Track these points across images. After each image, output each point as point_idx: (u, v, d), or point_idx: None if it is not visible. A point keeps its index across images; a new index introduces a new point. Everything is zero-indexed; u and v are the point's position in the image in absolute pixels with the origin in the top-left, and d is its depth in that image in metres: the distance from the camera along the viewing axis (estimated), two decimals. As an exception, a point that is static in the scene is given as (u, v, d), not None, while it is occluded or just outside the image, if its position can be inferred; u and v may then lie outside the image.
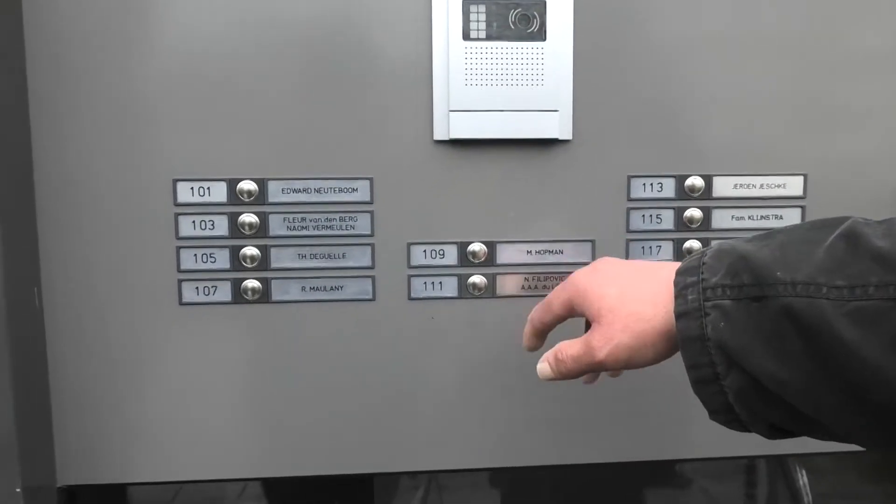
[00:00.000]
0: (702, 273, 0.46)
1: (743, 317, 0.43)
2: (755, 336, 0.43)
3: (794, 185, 0.75)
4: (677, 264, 0.49)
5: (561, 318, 0.57)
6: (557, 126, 0.70)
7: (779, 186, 0.74)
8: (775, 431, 0.46)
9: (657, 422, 0.76)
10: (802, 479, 1.16)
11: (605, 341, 0.50)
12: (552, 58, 0.69)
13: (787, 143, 0.74)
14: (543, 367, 0.55)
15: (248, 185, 0.70)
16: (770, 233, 0.47)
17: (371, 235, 0.72)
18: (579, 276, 0.55)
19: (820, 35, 0.73)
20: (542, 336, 0.60)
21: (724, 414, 0.46)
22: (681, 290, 0.46)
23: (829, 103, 0.74)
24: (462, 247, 0.72)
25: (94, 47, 0.67)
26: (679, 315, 0.46)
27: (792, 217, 0.75)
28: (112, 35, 0.67)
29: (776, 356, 0.42)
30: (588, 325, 0.54)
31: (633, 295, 0.50)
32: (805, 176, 0.75)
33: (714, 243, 0.48)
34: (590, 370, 0.53)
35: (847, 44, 0.73)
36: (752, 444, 0.57)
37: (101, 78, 0.67)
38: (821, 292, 0.40)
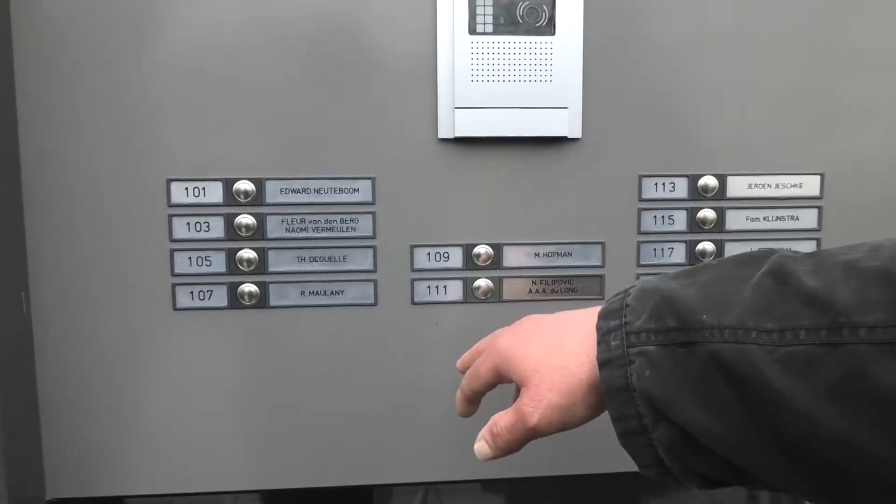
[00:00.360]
0: (625, 316, 0.43)
1: (669, 364, 0.40)
2: (683, 385, 0.40)
3: (810, 185, 0.72)
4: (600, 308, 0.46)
5: (490, 385, 0.53)
6: (566, 124, 0.68)
7: (795, 186, 0.72)
8: (710, 483, 0.43)
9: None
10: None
11: (534, 405, 0.46)
12: (561, 53, 0.67)
13: (804, 141, 0.72)
14: (481, 445, 0.50)
15: (244, 186, 0.67)
16: (695, 269, 0.44)
17: (373, 237, 0.69)
18: (502, 340, 0.51)
19: (837, 32, 0.70)
20: (475, 403, 0.55)
21: (655, 468, 0.43)
22: (603, 335, 0.43)
23: (846, 101, 0.71)
24: (467, 249, 0.70)
25: (84, 43, 0.64)
26: (602, 363, 0.43)
27: (808, 218, 0.73)
28: (103, 29, 0.64)
29: (705, 406, 0.39)
30: (518, 392, 0.50)
31: (557, 349, 0.47)
32: (822, 175, 0.72)
33: (639, 281, 0.45)
34: (527, 438, 0.48)
35: (865, 41, 0.71)
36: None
37: (91, 74, 0.64)
38: (750, 337, 0.37)
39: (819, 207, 0.73)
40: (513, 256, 0.70)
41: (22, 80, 0.64)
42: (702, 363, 0.39)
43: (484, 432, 0.51)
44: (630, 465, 0.72)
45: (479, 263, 0.70)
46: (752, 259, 0.42)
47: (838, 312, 0.35)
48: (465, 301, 0.70)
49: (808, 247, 0.73)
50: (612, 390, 0.42)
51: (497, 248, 0.70)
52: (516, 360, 0.48)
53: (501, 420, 0.49)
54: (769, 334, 0.37)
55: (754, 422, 0.38)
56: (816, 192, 0.72)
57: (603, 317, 0.44)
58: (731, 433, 0.39)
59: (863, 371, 0.34)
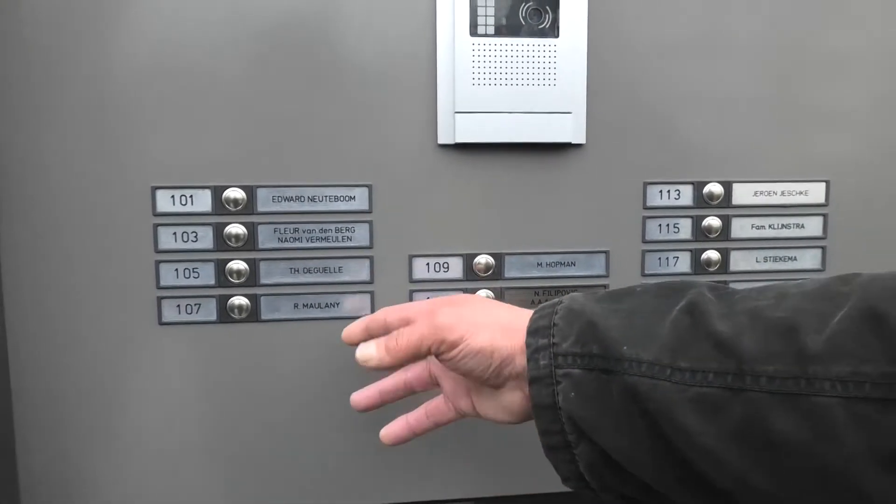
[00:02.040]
0: (553, 336, 0.45)
1: (592, 389, 0.43)
2: (604, 411, 0.42)
3: (816, 192, 0.71)
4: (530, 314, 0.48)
5: (405, 322, 0.53)
6: (570, 129, 0.65)
7: (801, 193, 0.71)
8: (627, 500, 0.46)
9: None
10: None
11: (451, 310, 0.49)
12: (565, 56, 0.64)
13: (809, 148, 0.70)
14: (367, 345, 0.52)
15: (234, 193, 0.64)
16: (620, 294, 0.46)
17: (370, 247, 0.66)
18: (444, 309, 0.52)
19: (843, 40, 0.69)
20: (370, 334, 0.55)
21: (576, 482, 0.46)
22: (532, 352, 0.45)
23: (852, 108, 0.70)
24: (468, 259, 0.67)
25: (62, 38, 0.60)
26: (532, 380, 0.45)
27: (814, 226, 0.71)
28: (82, 26, 0.60)
29: (623, 432, 0.42)
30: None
31: (494, 305, 0.52)
32: (827, 182, 0.71)
33: (567, 298, 0.48)
34: (423, 339, 0.49)
35: (870, 47, 0.70)
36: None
37: (70, 73, 0.61)
38: (665, 374, 0.40)
39: (824, 215, 0.71)
40: (515, 267, 0.68)
41: (-4, 82, 0.60)
42: (620, 392, 0.42)
43: (377, 339, 0.53)
44: None
45: (480, 274, 0.67)
46: (672, 290, 0.44)
47: (743, 360, 0.37)
48: (465, 313, 0.68)
49: (813, 254, 0.72)
50: (539, 406, 0.45)
51: (498, 257, 0.68)
52: (455, 302, 0.52)
53: (407, 328, 0.51)
54: (682, 373, 0.39)
55: (666, 451, 0.40)
56: (822, 200, 0.71)
57: (532, 333, 0.46)
58: (645, 459, 0.41)
59: (761, 417, 0.36)
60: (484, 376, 0.49)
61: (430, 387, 0.59)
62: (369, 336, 0.55)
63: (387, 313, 0.55)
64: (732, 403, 0.37)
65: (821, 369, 0.35)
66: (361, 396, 0.59)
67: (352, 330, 0.56)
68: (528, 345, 0.46)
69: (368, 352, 0.52)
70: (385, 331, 0.54)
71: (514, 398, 0.50)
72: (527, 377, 0.45)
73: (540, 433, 0.46)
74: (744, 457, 0.37)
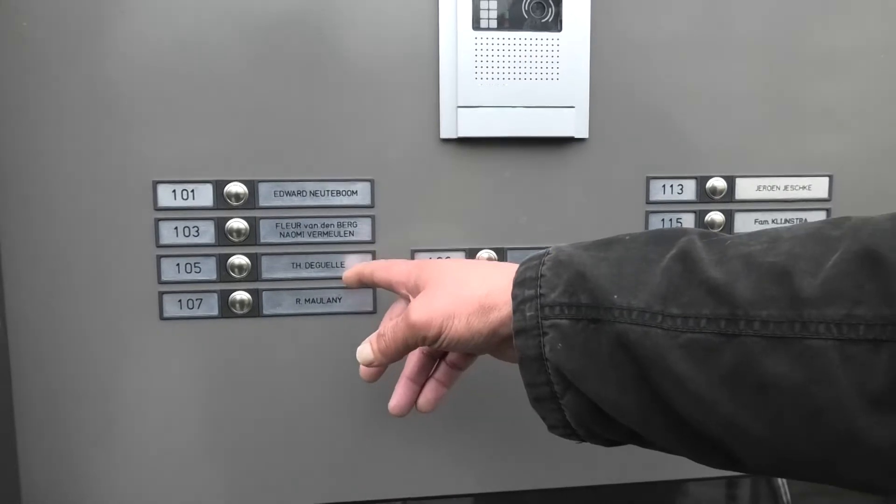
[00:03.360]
0: (540, 287, 0.45)
1: (580, 340, 0.43)
2: (592, 360, 0.42)
3: (819, 187, 0.71)
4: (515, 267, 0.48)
5: (388, 285, 0.58)
6: (573, 124, 0.65)
7: (804, 188, 0.70)
8: (612, 443, 0.47)
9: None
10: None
11: (423, 303, 0.49)
12: (568, 50, 0.64)
13: (812, 143, 0.70)
14: (364, 347, 0.54)
15: (236, 188, 0.63)
16: (609, 242, 0.46)
17: (372, 242, 0.66)
18: (432, 261, 0.56)
19: (850, 35, 0.69)
20: (360, 284, 0.62)
21: (562, 429, 0.47)
22: (519, 303, 0.45)
23: (855, 103, 0.70)
24: (471, 254, 0.67)
25: (61, 32, 0.60)
26: (518, 332, 0.45)
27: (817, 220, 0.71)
28: (82, 19, 0.60)
29: (611, 381, 0.42)
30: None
31: (471, 268, 0.52)
32: (830, 177, 0.71)
33: (553, 248, 0.47)
34: (407, 341, 0.50)
35: (874, 42, 0.69)
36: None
37: (71, 68, 0.60)
38: (656, 321, 0.40)
39: (828, 209, 0.71)
40: (517, 261, 0.67)
41: (-4, 75, 0.60)
42: (610, 341, 0.41)
43: (371, 336, 0.54)
44: (646, 476, 0.72)
45: (483, 269, 0.67)
46: (663, 238, 0.44)
47: (737, 305, 0.37)
48: (467, 308, 0.67)
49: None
50: (525, 358, 0.45)
51: (501, 252, 0.67)
52: (432, 267, 0.52)
53: (390, 322, 0.52)
54: (673, 319, 0.39)
55: (654, 399, 0.40)
56: (825, 195, 0.71)
57: (518, 284, 0.46)
58: (632, 407, 0.41)
59: (754, 361, 0.36)
60: (476, 352, 0.51)
61: (436, 357, 0.59)
62: (360, 284, 0.62)
63: (375, 269, 0.60)
64: (725, 348, 0.37)
65: (815, 313, 0.35)
66: (400, 400, 0.58)
67: (348, 275, 0.63)
68: (514, 296, 0.45)
69: (365, 354, 0.54)
70: (372, 283, 0.61)
71: (513, 354, 0.49)
72: (512, 328, 0.45)
73: (526, 385, 0.46)
74: (735, 401, 0.37)
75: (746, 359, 0.37)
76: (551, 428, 0.47)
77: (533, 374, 0.45)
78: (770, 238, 0.40)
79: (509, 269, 0.49)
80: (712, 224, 0.69)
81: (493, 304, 0.47)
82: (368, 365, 0.54)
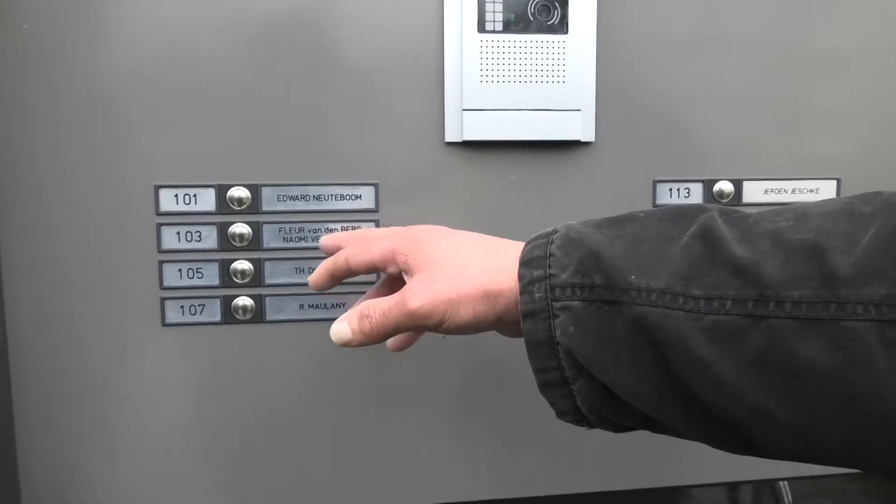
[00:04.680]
0: (549, 266, 0.41)
1: (594, 323, 0.40)
2: (606, 344, 0.40)
3: (826, 190, 0.70)
4: (521, 245, 0.44)
5: (372, 268, 0.51)
6: (579, 127, 0.65)
7: (811, 192, 0.70)
8: (624, 429, 0.44)
9: (653, 449, 0.71)
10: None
11: (423, 289, 0.45)
12: (574, 53, 0.63)
13: (820, 146, 0.69)
14: (341, 326, 0.49)
15: (239, 192, 0.63)
16: (621, 219, 0.43)
17: (376, 247, 0.65)
18: (414, 228, 0.52)
19: (857, 37, 0.68)
20: (336, 280, 0.54)
21: (572, 416, 0.44)
22: (526, 284, 0.42)
23: (863, 106, 0.69)
24: (476, 259, 0.66)
25: (63, 36, 0.59)
26: (525, 314, 0.42)
27: (824, 224, 0.70)
28: (82, 20, 0.59)
29: (627, 366, 0.39)
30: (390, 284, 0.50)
31: (469, 250, 0.47)
32: (838, 180, 0.70)
33: (562, 226, 0.44)
34: (400, 325, 0.46)
35: (882, 46, 0.69)
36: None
37: (73, 71, 0.59)
38: (677, 303, 0.37)
39: (835, 213, 0.70)
40: (523, 266, 0.67)
41: (-4, 79, 0.59)
42: (627, 324, 0.39)
43: (349, 314, 0.49)
44: (650, 482, 0.71)
45: (488, 273, 0.66)
46: (681, 215, 0.41)
47: (765, 285, 0.35)
48: (472, 313, 0.67)
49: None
50: (534, 342, 0.42)
51: (506, 257, 0.67)
52: (423, 246, 0.48)
53: (379, 303, 0.47)
54: (696, 301, 0.37)
55: (673, 384, 0.38)
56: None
57: (525, 264, 0.43)
58: (649, 392, 0.39)
59: (785, 344, 0.34)
60: (475, 334, 0.47)
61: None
62: (335, 281, 0.54)
63: (349, 256, 0.52)
64: (752, 331, 0.35)
65: (852, 292, 0.33)
66: (317, 282, 0.55)
67: (316, 279, 0.55)
68: (520, 276, 0.42)
69: (343, 334, 0.49)
70: (350, 274, 0.53)
71: (519, 332, 0.46)
72: (520, 311, 0.42)
73: (535, 370, 0.43)
74: (763, 387, 0.35)
75: (776, 342, 0.34)
76: (560, 414, 0.44)
77: (542, 358, 0.42)
78: (796, 214, 0.37)
79: (513, 248, 0.46)
80: (719, 228, 0.69)
81: (500, 290, 0.44)
82: (345, 345, 0.49)
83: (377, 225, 0.65)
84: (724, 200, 0.69)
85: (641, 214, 0.43)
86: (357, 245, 0.53)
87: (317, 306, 0.65)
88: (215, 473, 0.66)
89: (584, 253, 0.41)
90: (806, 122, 0.69)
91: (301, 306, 0.65)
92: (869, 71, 0.69)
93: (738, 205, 0.69)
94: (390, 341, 0.54)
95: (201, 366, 0.64)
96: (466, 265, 0.46)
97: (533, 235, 0.45)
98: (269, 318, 0.64)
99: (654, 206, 0.68)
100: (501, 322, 0.45)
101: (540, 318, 0.41)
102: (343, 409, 0.67)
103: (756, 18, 0.67)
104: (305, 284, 0.64)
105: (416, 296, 0.45)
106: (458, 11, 0.62)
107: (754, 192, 0.69)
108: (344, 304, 0.65)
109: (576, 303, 0.40)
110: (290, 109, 0.62)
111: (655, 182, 0.68)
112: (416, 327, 0.46)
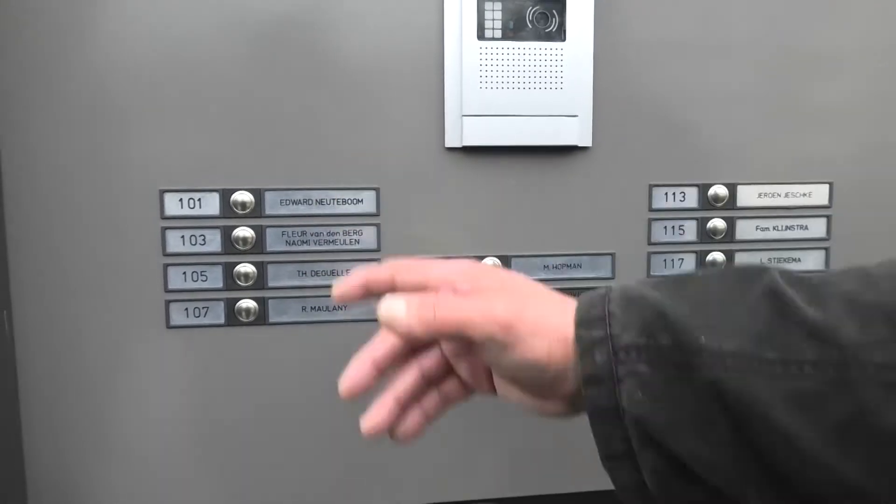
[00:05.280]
0: (610, 326, 0.38)
1: (662, 388, 0.37)
2: (678, 412, 0.37)
3: (819, 194, 0.71)
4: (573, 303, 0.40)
5: (422, 287, 0.42)
6: (577, 132, 0.66)
7: (804, 195, 0.71)
8: None
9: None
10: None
11: (510, 304, 0.39)
12: (572, 59, 0.65)
13: (813, 150, 0.71)
14: (396, 304, 0.40)
15: (242, 197, 0.64)
16: (680, 280, 0.40)
17: (377, 250, 0.66)
18: (502, 306, 0.41)
19: (850, 42, 0.70)
20: (369, 293, 0.44)
21: (635, 492, 0.40)
22: (586, 346, 0.38)
23: (856, 111, 0.71)
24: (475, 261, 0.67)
25: (66, 41, 0.60)
26: (587, 380, 0.38)
27: (817, 227, 0.72)
28: (87, 28, 0.60)
29: (702, 435, 0.36)
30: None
31: (545, 292, 0.42)
32: (831, 184, 0.71)
33: (617, 286, 0.40)
34: (464, 330, 0.39)
35: (879, 50, 0.70)
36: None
37: (77, 77, 0.61)
38: (752, 367, 0.35)
39: (828, 216, 0.72)
40: (521, 268, 0.68)
41: None
42: (700, 390, 0.36)
43: (409, 296, 0.41)
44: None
45: (487, 276, 0.67)
46: (743, 276, 0.39)
47: (845, 348, 0.34)
48: (472, 315, 0.68)
49: (817, 256, 0.72)
50: (598, 410, 0.38)
51: (505, 259, 0.68)
52: (497, 276, 0.43)
53: (447, 296, 0.41)
54: (771, 365, 0.35)
55: (750, 454, 0.36)
56: (825, 201, 0.72)
57: (583, 325, 0.38)
58: (726, 463, 0.36)
59: (870, 411, 0.33)
60: (526, 386, 0.41)
61: (440, 370, 0.46)
62: (366, 294, 0.44)
63: (396, 271, 0.44)
64: (835, 398, 0.33)
65: None
66: (354, 376, 0.46)
67: (347, 287, 0.44)
68: (578, 338, 0.38)
69: (396, 311, 0.40)
70: (390, 289, 0.43)
71: (555, 407, 0.43)
72: (580, 376, 0.38)
73: (598, 440, 0.39)
74: (848, 456, 0.33)
75: (861, 409, 0.33)
76: (622, 490, 0.41)
77: (608, 427, 0.38)
78: (859, 276, 0.36)
79: (564, 306, 0.41)
80: (714, 230, 0.70)
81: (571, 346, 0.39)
82: (387, 324, 0.41)
83: (378, 228, 0.66)
84: (720, 204, 0.70)
85: (699, 275, 0.41)
86: (410, 265, 0.45)
87: (319, 308, 0.66)
88: (219, 473, 0.67)
89: (648, 311, 0.37)
90: (800, 128, 0.70)
91: (303, 308, 0.66)
92: (865, 75, 0.70)
93: (734, 208, 0.71)
94: (403, 428, 0.48)
95: (205, 367, 0.65)
96: (546, 305, 0.41)
97: (581, 295, 0.40)
98: (272, 320, 0.65)
99: (650, 209, 0.69)
100: (555, 382, 0.40)
101: (604, 384, 0.38)
102: (345, 409, 0.67)
103: (751, 26, 0.68)
104: (308, 287, 0.66)
105: (502, 304, 0.40)
106: (458, 19, 0.63)
107: (749, 195, 0.70)
108: (346, 307, 0.66)
109: (642, 367, 0.37)
110: (292, 115, 0.63)
111: (651, 186, 0.69)
112: (482, 335, 0.39)
